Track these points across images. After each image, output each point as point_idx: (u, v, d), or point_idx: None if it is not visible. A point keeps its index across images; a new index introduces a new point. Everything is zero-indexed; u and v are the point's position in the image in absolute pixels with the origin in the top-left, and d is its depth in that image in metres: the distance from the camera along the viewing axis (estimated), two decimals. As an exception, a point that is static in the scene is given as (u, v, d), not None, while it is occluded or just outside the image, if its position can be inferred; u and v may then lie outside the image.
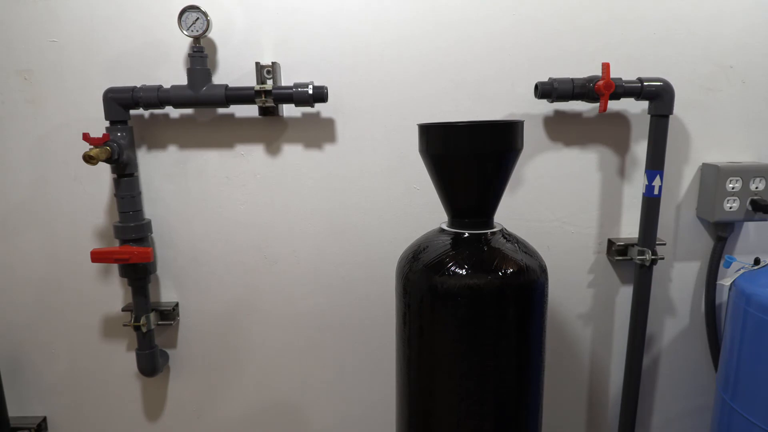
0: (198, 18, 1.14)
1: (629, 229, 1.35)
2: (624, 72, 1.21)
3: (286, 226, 1.33)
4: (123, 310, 1.35)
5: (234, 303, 1.37)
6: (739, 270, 1.22)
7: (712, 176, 1.28)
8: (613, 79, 1.16)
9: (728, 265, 1.33)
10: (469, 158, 0.95)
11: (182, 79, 1.20)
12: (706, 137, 1.29)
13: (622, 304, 1.40)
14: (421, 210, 1.31)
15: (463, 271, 0.92)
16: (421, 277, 0.95)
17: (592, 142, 1.30)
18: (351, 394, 1.43)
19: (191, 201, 1.31)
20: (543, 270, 0.98)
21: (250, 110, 1.25)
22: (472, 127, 0.96)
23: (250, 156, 1.29)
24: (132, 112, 1.22)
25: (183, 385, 1.43)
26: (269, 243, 1.34)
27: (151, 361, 1.32)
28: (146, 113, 1.27)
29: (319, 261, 1.35)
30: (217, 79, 1.23)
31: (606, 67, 1.16)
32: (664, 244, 1.33)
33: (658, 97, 1.19)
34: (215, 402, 1.44)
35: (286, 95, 1.17)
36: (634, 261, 1.30)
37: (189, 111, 1.27)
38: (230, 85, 1.19)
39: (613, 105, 1.26)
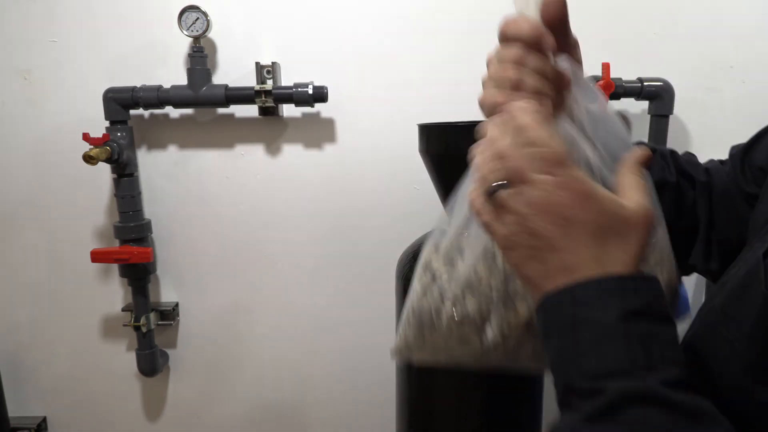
0: (198, 18, 1.14)
1: (629, 229, 1.34)
2: (624, 72, 1.21)
3: (285, 226, 1.33)
4: (123, 310, 1.35)
5: (234, 303, 1.37)
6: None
7: (712, 176, 1.27)
8: (613, 79, 1.16)
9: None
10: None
11: (182, 79, 1.20)
12: (706, 137, 1.29)
13: (622, 304, 1.39)
14: (421, 210, 1.31)
15: (463, 271, 0.91)
16: (421, 277, 0.95)
17: (592, 142, 1.30)
18: (351, 394, 1.43)
19: (191, 201, 1.31)
20: (543, 270, 0.98)
21: (250, 110, 1.25)
22: (472, 127, 0.96)
23: (250, 156, 1.29)
24: (132, 112, 1.22)
25: (183, 385, 1.43)
26: (269, 243, 1.34)
27: (151, 361, 1.32)
28: (146, 113, 1.27)
29: (319, 261, 1.35)
30: (217, 79, 1.23)
31: (606, 67, 1.16)
32: (664, 244, 1.33)
33: (658, 97, 1.19)
34: (215, 402, 1.44)
35: (286, 95, 1.17)
36: (634, 261, 1.30)
37: (189, 111, 1.27)
38: (230, 85, 1.19)
39: (613, 105, 1.26)
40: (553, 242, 0.37)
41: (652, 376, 0.33)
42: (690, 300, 1.42)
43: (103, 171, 1.26)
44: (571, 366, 0.36)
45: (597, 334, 0.35)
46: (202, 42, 1.18)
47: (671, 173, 0.56)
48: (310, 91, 1.17)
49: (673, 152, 0.58)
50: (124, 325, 1.29)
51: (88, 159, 1.08)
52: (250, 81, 1.21)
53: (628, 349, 0.34)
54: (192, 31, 1.14)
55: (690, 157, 0.60)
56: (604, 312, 0.35)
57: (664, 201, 0.49)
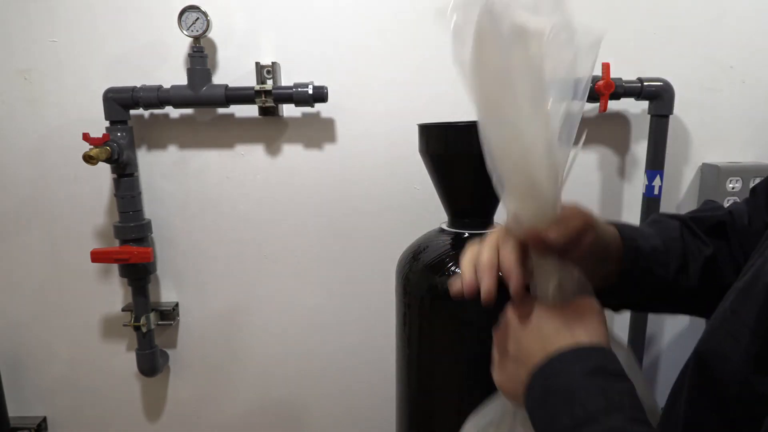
0: (198, 18, 1.14)
1: (629, 229, 1.34)
2: (624, 72, 1.21)
3: (286, 226, 1.33)
4: (123, 310, 1.35)
5: (234, 303, 1.37)
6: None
7: (712, 176, 1.27)
8: (613, 79, 1.16)
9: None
10: (469, 158, 0.95)
11: (182, 79, 1.20)
12: (706, 137, 1.29)
13: (622, 304, 1.39)
14: (421, 210, 1.31)
15: (463, 271, 0.91)
16: (421, 277, 0.95)
17: (592, 142, 1.30)
18: (351, 393, 1.43)
19: (191, 201, 1.31)
20: (543, 270, 0.98)
21: (250, 110, 1.25)
22: (472, 127, 0.95)
23: (250, 156, 1.29)
24: (132, 112, 1.22)
25: (183, 385, 1.43)
26: (269, 243, 1.34)
27: (151, 361, 1.32)
28: (146, 113, 1.27)
29: (319, 261, 1.35)
30: (217, 79, 1.23)
31: (606, 67, 1.16)
32: (664, 244, 1.33)
33: (658, 97, 1.19)
34: (215, 402, 1.44)
35: (286, 95, 1.17)
36: (634, 261, 1.30)
37: (189, 111, 1.27)
38: (230, 85, 1.19)
39: (613, 105, 1.26)
40: (517, 356, 0.48)
41: (614, 416, 0.39)
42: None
43: (103, 171, 1.26)
44: None
45: (565, 396, 0.41)
46: (202, 42, 1.18)
47: (704, 243, 0.58)
48: (310, 91, 1.17)
49: (692, 217, 0.61)
50: (124, 325, 1.29)
51: (88, 159, 1.08)
52: (250, 81, 1.21)
53: (591, 401, 0.40)
54: (192, 31, 1.14)
55: (710, 203, 0.62)
56: (568, 376, 0.42)
57: (713, 276, 0.57)
